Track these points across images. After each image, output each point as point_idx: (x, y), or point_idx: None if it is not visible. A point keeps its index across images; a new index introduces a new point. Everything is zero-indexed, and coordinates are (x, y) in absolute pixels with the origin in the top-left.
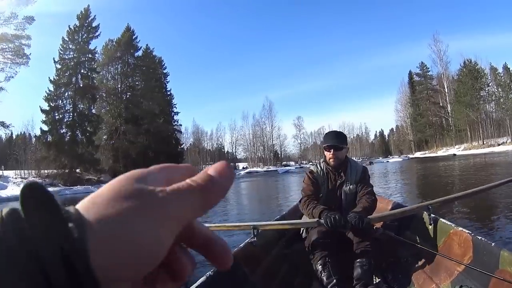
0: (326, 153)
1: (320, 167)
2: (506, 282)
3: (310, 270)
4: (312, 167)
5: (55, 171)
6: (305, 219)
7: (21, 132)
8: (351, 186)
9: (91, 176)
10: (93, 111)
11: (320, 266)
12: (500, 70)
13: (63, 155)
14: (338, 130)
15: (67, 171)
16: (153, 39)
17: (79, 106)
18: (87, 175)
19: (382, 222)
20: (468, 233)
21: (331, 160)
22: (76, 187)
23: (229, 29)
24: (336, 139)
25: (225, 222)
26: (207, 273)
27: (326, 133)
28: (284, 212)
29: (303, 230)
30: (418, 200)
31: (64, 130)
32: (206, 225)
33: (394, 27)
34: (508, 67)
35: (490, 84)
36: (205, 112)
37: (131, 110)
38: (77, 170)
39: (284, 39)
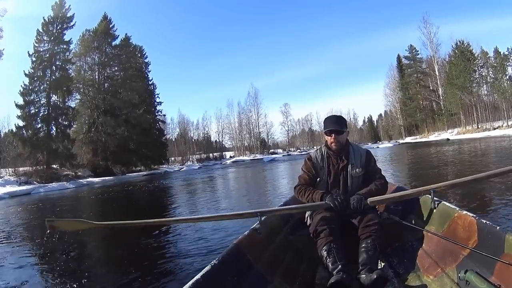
0: (327, 138)
1: (321, 152)
2: (511, 267)
3: (315, 256)
4: (311, 153)
5: (31, 168)
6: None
7: (9, 130)
8: (357, 170)
9: (69, 172)
10: (73, 104)
11: (325, 252)
12: (491, 54)
13: (38, 151)
14: (338, 114)
15: (41, 167)
16: (136, 30)
17: (53, 99)
18: (65, 170)
19: (384, 206)
20: (473, 216)
21: (332, 144)
22: (51, 184)
23: (212, 16)
24: (336, 124)
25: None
26: (212, 262)
27: (326, 118)
28: (287, 198)
29: (307, 217)
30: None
31: (39, 125)
32: (210, 214)
33: (382, 12)
34: (499, 50)
35: (483, 66)
36: (190, 102)
37: (109, 101)
38: (56, 166)
39: (270, 25)
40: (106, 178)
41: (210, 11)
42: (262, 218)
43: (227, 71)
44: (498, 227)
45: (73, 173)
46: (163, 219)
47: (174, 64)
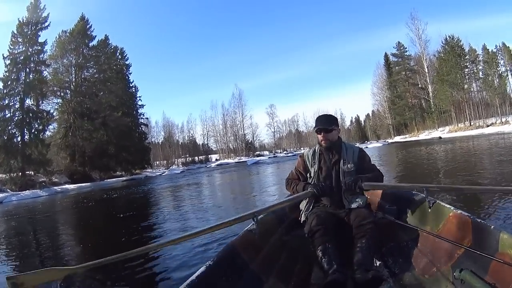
0: (318, 136)
1: (314, 150)
2: (506, 265)
3: (310, 256)
4: (305, 151)
5: (6, 175)
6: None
7: None
8: (349, 165)
9: (45, 179)
10: (49, 108)
11: (321, 252)
12: (480, 51)
13: (11, 157)
14: (328, 114)
15: (15, 174)
16: (119, 34)
17: (27, 103)
18: (41, 177)
19: (378, 205)
20: (467, 215)
21: (322, 142)
22: (24, 192)
23: (196, 18)
24: (325, 122)
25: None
26: (207, 262)
27: (316, 118)
28: (281, 200)
29: (301, 215)
30: None
31: (14, 130)
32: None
33: (368, 13)
34: (487, 48)
35: (474, 62)
36: (175, 105)
37: (86, 104)
38: (30, 173)
39: (255, 27)
40: (83, 184)
41: (194, 14)
42: (257, 219)
43: (212, 73)
44: (492, 226)
45: (49, 180)
46: (150, 245)
47: (159, 67)
